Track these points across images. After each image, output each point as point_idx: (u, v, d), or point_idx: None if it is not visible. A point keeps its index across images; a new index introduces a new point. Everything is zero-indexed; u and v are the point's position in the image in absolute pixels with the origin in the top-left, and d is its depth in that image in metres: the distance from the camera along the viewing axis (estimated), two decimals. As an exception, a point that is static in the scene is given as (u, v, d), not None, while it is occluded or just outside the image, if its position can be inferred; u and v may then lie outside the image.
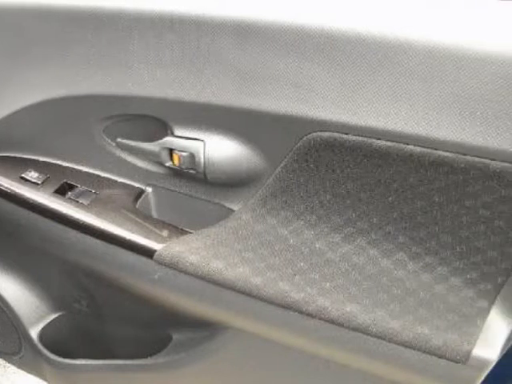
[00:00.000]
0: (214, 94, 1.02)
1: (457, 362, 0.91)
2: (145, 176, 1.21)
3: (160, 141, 1.11)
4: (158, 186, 1.21)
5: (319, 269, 1.03)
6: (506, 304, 0.92)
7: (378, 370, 1.03)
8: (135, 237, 1.14)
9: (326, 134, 0.95)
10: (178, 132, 1.09)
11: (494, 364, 0.90)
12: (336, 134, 0.94)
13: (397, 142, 0.90)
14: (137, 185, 1.23)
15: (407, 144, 0.90)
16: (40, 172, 1.27)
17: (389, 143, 0.91)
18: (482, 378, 0.92)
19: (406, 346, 0.94)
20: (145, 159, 1.19)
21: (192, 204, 1.18)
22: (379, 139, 0.91)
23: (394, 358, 0.96)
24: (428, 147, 0.88)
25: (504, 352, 0.92)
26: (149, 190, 1.22)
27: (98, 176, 1.26)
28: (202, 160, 1.08)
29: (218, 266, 1.05)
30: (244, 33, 0.95)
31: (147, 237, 1.13)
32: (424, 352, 0.93)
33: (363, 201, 0.99)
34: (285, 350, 1.12)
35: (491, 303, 0.93)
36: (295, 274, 1.02)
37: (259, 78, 0.97)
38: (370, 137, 0.92)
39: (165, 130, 1.11)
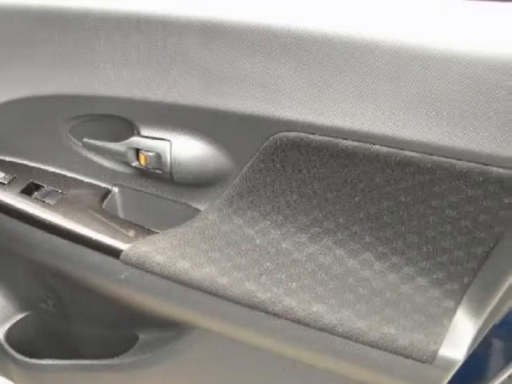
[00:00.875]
0: (181, 93, 0.99)
1: (423, 362, 0.89)
2: (111, 176, 1.18)
3: (126, 141, 1.08)
4: (125, 186, 1.18)
5: (286, 269, 1.00)
6: (473, 304, 0.90)
7: (345, 369, 1.01)
8: (101, 237, 1.10)
9: (293, 134, 0.92)
10: (144, 132, 1.06)
11: (460, 364, 0.89)
12: (302, 134, 0.92)
13: (363, 142, 0.88)
14: (103, 185, 1.20)
15: (374, 144, 0.87)
16: (6, 172, 1.23)
17: (355, 143, 0.88)
18: (449, 378, 0.91)
19: (373, 346, 0.92)
20: (111, 159, 1.15)
21: (158, 204, 1.15)
22: (346, 139, 0.89)
23: (361, 357, 0.94)
24: (394, 147, 0.86)
25: (470, 352, 0.90)
26: (115, 189, 1.19)
27: (65, 176, 1.22)
28: (169, 160, 1.05)
29: (184, 265, 1.02)
30: (210, 33, 0.92)
31: (114, 237, 1.10)
32: (390, 352, 0.91)
33: (330, 201, 0.96)
34: (251, 349, 1.10)
35: (457, 303, 0.91)
36: (262, 274, 1.00)
37: (225, 77, 0.94)
38: (336, 137, 0.89)
39: (131, 130, 1.08)
